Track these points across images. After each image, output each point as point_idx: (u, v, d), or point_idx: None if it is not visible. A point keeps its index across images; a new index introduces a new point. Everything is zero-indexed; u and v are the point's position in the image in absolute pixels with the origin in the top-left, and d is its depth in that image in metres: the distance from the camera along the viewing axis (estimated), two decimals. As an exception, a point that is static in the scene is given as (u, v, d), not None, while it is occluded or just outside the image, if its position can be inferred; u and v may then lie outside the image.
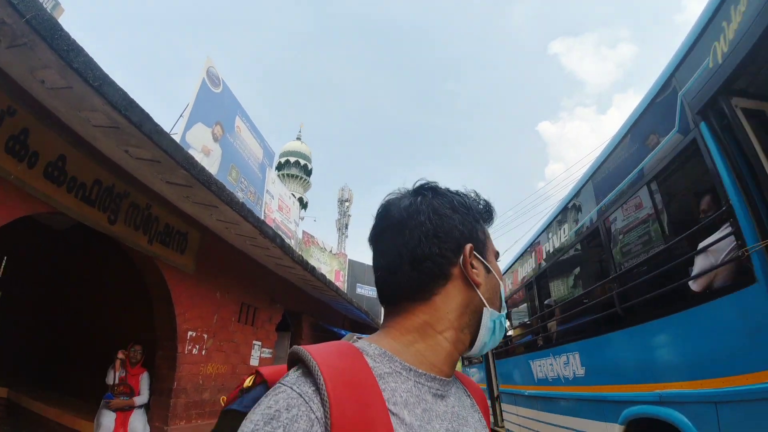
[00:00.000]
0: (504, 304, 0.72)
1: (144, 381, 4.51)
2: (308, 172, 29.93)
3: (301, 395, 0.49)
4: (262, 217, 14.08)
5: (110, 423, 4.22)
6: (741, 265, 2.27)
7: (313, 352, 0.55)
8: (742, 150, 2.24)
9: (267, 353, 7.22)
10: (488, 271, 0.69)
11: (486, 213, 0.75)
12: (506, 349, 7.03)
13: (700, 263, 2.57)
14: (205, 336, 5.46)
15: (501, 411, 7.70)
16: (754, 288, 2.14)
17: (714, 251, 2.47)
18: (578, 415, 4.10)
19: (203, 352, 5.39)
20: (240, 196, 13.79)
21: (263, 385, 0.65)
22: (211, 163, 12.84)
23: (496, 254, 0.74)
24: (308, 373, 0.53)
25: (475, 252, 0.67)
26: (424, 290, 0.64)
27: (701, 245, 2.54)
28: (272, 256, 6.70)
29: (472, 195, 0.74)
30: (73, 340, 7.03)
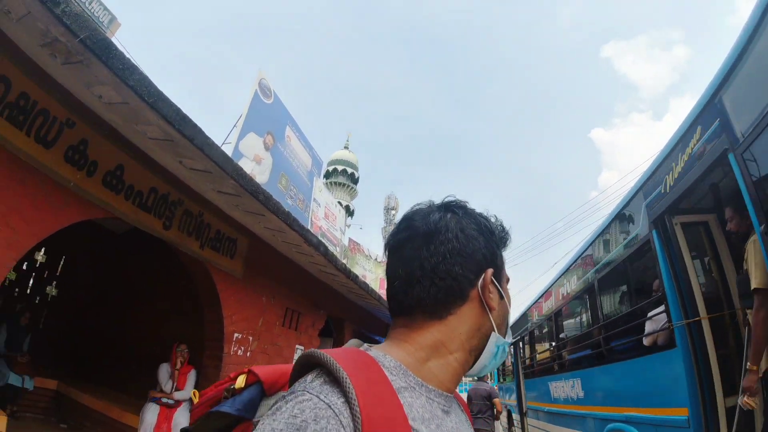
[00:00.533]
0: (509, 330, 0.73)
1: (191, 378, 4.75)
2: (355, 180, 30.46)
3: (330, 406, 0.47)
4: (309, 225, 14.44)
5: (153, 418, 4.43)
6: (669, 334, 3.28)
7: (338, 358, 0.53)
8: (676, 255, 3.26)
9: (309, 358, 7.37)
10: (501, 297, 0.69)
11: (503, 239, 0.75)
12: (533, 370, 8.03)
13: (648, 327, 3.66)
14: (251, 338, 5.67)
15: (527, 425, 8.44)
16: (674, 351, 3.14)
17: (656, 320, 3.53)
18: (579, 428, 5.10)
19: (248, 354, 5.59)
20: (289, 203, 14.23)
21: (257, 385, 0.65)
22: (262, 171, 13.37)
23: (507, 280, 0.74)
24: (334, 381, 0.51)
25: (492, 277, 0.67)
26: (441, 308, 0.64)
27: (650, 314, 3.63)
28: (316, 263, 6.84)
29: (492, 219, 0.74)
30: (122, 337, 7.44)
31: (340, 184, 29.11)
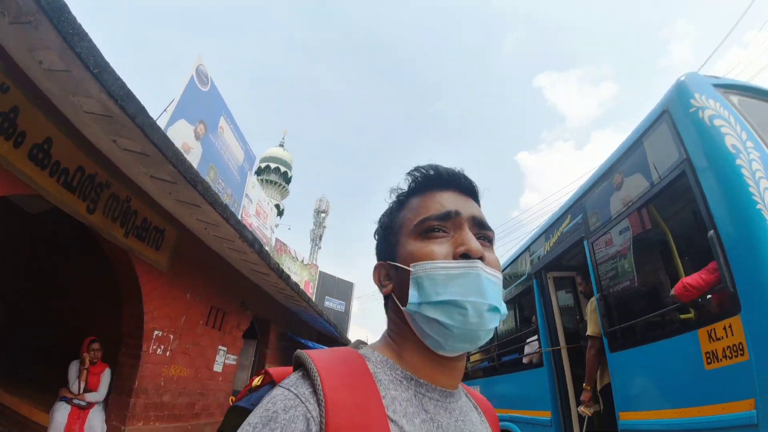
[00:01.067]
0: (417, 288, 0.61)
1: (105, 377, 4.33)
2: (287, 180, 29.63)
3: (297, 396, 0.51)
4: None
5: (63, 418, 4.02)
6: (540, 356, 4.23)
7: (314, 355, 0.56)
8: (548, 300, 4.26)
9: (232, 360, 7.03)
10: (396, 269, 0.66)
11: (410, 191, 0.71)
12: None
13: (527, 349, 4.64)
14: (171, 337, 5.30)
15: None
16: (542, 369, 4.11)
17: (533, 345, 4.50)
18: None
19: (167, 353, 5.22)
20: (217, 197, 13.52)
21: (271, 384, 0.66)
22: (190, 161, 12.61)
23: (421, 226, 0.64)
24: (307, 375, 0.54)
25: (384, 262, 0.69)
26: (386, 310, 0.71)
27: (528, 340, 4.67)
28: (248, 261, 6.60)
29: (408, 179, 0.72)
30: (36, 329, 6.69)
31: (271, 182, 28.12)
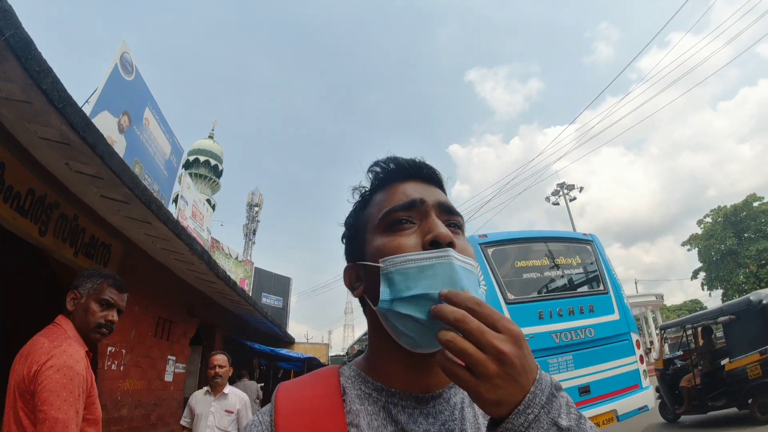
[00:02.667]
0: (389, 284, 0.57)
1: None
2: (218, 174, 28.23)
3: (261, 422, 0.59)
4: (170, 221, 13.22)
5: None
6: None
7: (282, 385, 0.64)
8: None
9: (181, 368, 7.04)
10: (366, 268, 0.63)
11: (373, 187, 0.70)
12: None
13: None
14: (124, 351, 5.27)
15: None
16: None
17: None
18: None
19: (121, 368, 5.20)
20: (147, 196, 12.87)
21: None
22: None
23: (386, 218, 0.62)
24: None
25: (354, 263, 0.67)
26: (365, 316, 0.69)
27: None
28: (195, 270, 6.63)
29: (369, 176, 0.70)
30: None
31: (201, 176, 26.62)
